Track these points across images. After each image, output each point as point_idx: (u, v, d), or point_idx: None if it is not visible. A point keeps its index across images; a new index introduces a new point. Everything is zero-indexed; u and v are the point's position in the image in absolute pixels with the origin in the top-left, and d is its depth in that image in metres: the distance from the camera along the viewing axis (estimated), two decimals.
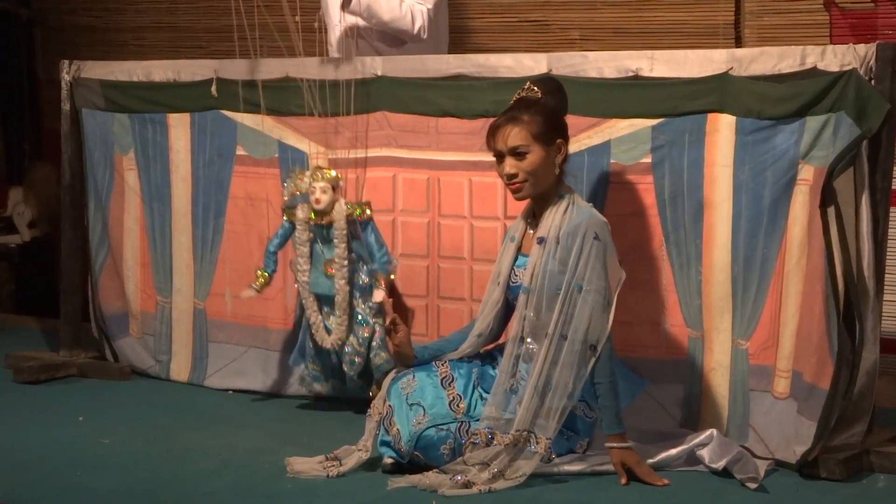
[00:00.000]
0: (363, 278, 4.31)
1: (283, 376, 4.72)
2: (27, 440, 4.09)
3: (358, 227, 4.30)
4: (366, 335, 4.29)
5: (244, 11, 4.36)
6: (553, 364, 3.64)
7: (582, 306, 3.64)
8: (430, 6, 4.82)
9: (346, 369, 4.33)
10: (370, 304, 4.29)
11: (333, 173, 4.33)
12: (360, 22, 4.78)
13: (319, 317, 4.34)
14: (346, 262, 4.28)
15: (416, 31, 4.77)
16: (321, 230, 4.33)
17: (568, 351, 3.63)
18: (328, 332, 4.33)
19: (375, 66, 4.53)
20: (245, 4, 4.41)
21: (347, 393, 4.45)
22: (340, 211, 4.28)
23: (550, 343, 3.65)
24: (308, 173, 4.35)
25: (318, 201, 4.28)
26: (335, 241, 4.29)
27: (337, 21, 4.79)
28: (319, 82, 4.46)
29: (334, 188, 4.30)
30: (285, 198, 4.40)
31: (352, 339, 4.30)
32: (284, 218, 4.40)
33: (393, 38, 4.86)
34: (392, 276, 4.36)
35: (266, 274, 4.43)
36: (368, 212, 4.34)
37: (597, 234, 3.66)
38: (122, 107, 5.06)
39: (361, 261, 4.33)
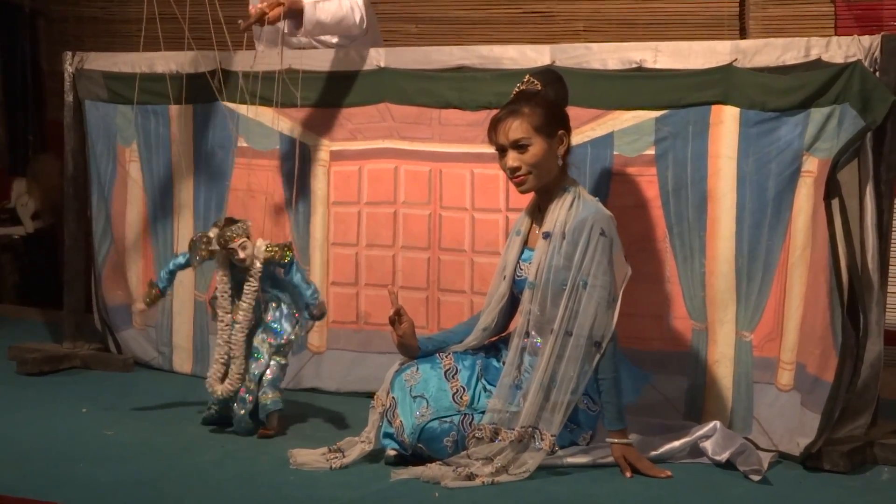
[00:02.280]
0: (273, 315, 4.12)
1: None
2: (30, 432, 4.09)
3: (279, 268, 4.11)
4: (256, 372, 4.08)
5: (248, 3, 4.36)
6: (558, 360, 3.63)
7: (587, 302, 3.63)
8: None
9: (235, 408, 4.07)
10: (273, 341, 4.10)
11: (238, 224, 4.10)
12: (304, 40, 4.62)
13: (221, 366, 4.13)
14: (250, 301, 4.08)
15: (359, 22, 4.58)
16: (237, 272, 4.14)
17: (573, 347, 3.62)
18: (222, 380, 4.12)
19: (379, 57, 4.52)
20: None
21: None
22: (259, 253, 4.08)
23: (556, 339, 3.64)
24: (213, 238, 4.10)
25: (242, 260, 4.07)
26: (248, 280, 4.08)
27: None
28: (318, 74, 4.45)
29: (248, 236, 4.09)
30: (194, 264, 4.21)
31: (245, 376, 4.11)
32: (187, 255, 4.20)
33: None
34: (322, 314, 4.18)
35: (159, 289, 4.25)
36: (290, 254, 4.10)
37: (603, 229, 3.65)
38: (125, 98, 5.05)
39: (276, 300, 4.13)
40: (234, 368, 4.08)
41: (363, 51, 4.58)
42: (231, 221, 4.13)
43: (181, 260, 4.26)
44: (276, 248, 4.10)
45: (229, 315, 4.13)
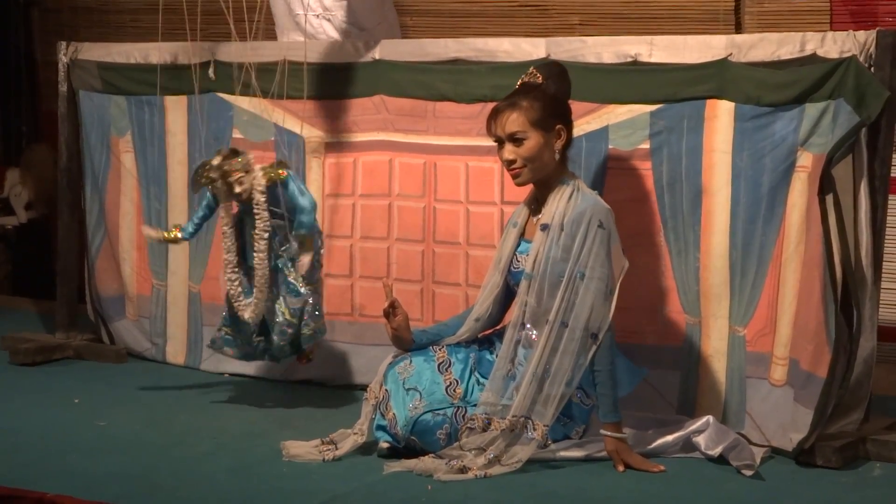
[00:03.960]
0: (294, 246, 4.17)
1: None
2: (23, 422, 4.09)
3: (278, 189, 4.12)
4: (297, 306, 4.17)
5: None
6: (553, 351, 3.63)
7: (584, 294, 3.63)
8: None
9: (275, 339, 4.20)
10: (302, 274, 4.17)
11: (240, 158, 4.15)
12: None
13: (240, 289, 4.21)
14: (265, 236, 4.12)
15: None
16: (243, 205, 4.19)
17: (568, 339, 3.62)
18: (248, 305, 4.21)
19: (374, 49, 4.51)
20: None
21: (255, 361, 4.44)
22: (258, 183, 4.11)
23: (551, 330, 3.64)
24: (217, 166, 4.14)
25: (238, 195, 4.11)
26: (255, 213, 4.13)
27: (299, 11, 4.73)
28: (313, 65, 4.44)
29: (248, 170, 4.12)
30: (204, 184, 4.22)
31: (284, 308, 4.17)
32: (209, 193, 4.25)
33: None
34: (312, 237, 4.19)
35: (180, 236, 4.30)
36: (283, 173, 4.13)
37: (601, 221, 3.65)
38: (120, 89, 5.04)
39: (290, 228, 4.18)
40: (260, 297, 4.16)
41: (358, 42, 4.57)
42: (234, 153, 4.17)
43: (202, 212, 4.32)
44: (269, 170, 4.13)
45: (232, 255, 4.19)
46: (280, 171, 4.13)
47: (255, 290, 4.17)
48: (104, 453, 3.74)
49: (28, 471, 3.54)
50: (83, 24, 6.52)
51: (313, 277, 4.20)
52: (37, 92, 6.85)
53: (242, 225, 4.23)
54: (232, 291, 4.22)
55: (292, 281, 4.17)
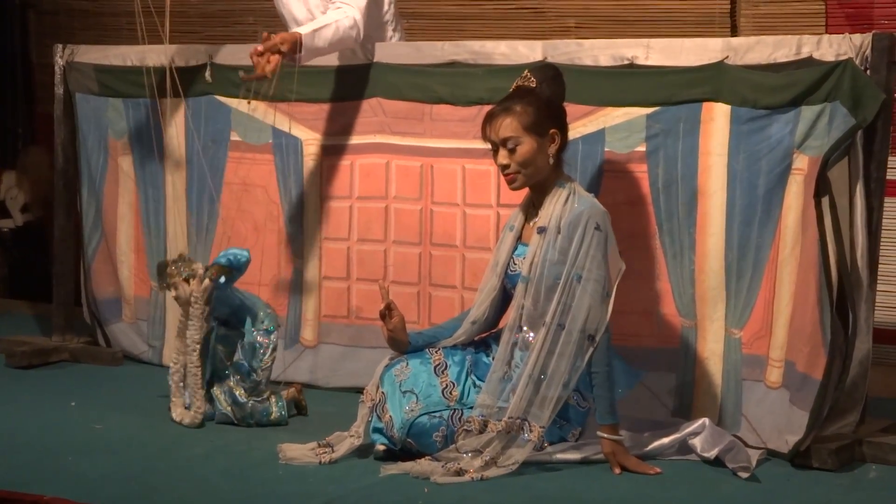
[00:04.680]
0: (237, 354, 4.15)
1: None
2: (19, 425, 4.09)
3: (221, 289, 4.12)
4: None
5: None
6: (549, 353, 3.64)
7: (581, 296, 3.64)
8: (361, 8, 4.45)
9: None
10: (241, 383, 4.12)
11: (183, 263, 4.13)
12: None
13: (178, 399, 4.15)
14: (196, 343, 4.08)
15: (356, 37, 4.43)
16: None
17: (565, 341, 3.63)
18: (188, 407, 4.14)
19: (370, 52, 4.52)
20: None
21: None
22: (195, 293, 4.08)
23: (548, 332, 3.65)
24: (167, 269, 4.14)
25: (176, 298, 4.11)
26: (189, 320, 4.11)
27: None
28: (311, 68, 4.44)
29: (190, 278, 4.08)
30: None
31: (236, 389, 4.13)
32: None
33: None
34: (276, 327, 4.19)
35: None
36: (218, 275, 4.10)
37: (598, 224, 3.66)
38: (116, 91, 5.05)
39: (237, 333, 4.16)
40: (197, 402, 4.10)
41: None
42: (181, 259, 4.15)
43: None
44: (206, 273, 4.10)
45: (181, 356, 4.14)
46: (212, 272, 4.10)
47: (193, 400, 4.11)
48: (100, 455, 3.74)
49: (25, 473, 3.55)
50: (79, 27, 6.51)
51: (258, 389, 4.14)
52: (33, 94, 6.84)
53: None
54: (174, 399, 4.16)
55: (232, 389, 4.13)
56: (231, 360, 4.15)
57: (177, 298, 4.12)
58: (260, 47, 4.16)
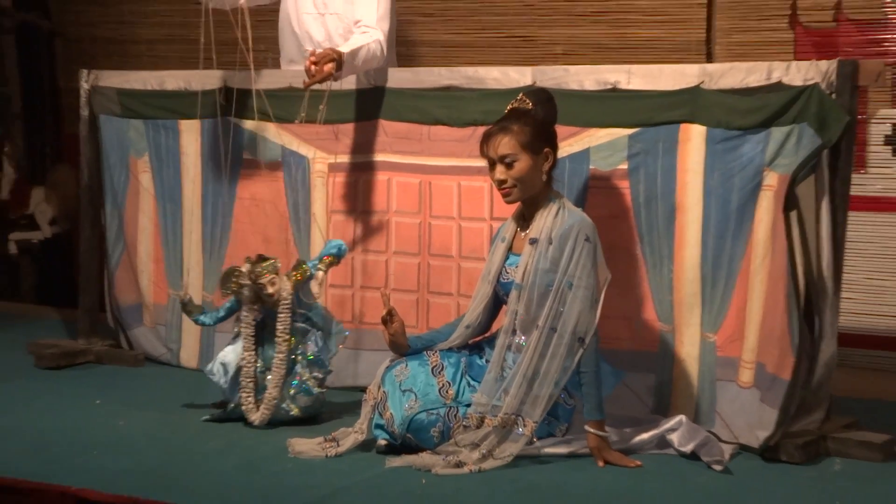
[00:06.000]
0: (312, 348, 4.13)
1: None
2: (47, 422, 4.10)
3: (304, 288, 4.13)
4: (307, 405, 4.10)
5: (249, 26, 4.36)
6: (542, 355, 3.65)
7: (572, 302, 3.65)
8: (385, 31, 4.53)
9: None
10: (314, 374, 4.11)
11: (267, 263, 4.11)
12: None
13: (251, 398, 4.07)
14: (287, 336, 4.07)
15: (381, 56, 4.49)
16: (266, 309, 4.13)
17: (557, 343, 3.64)
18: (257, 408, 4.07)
19: (374, 77, 4.54)
20: (251, 20, 4.41)
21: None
22: (286, 288, 4.08)
23: (540, 335, 3.66)
24: (245, 272, 4.11)
25: (270, 295, 4.07)
26: (280, 315, 4.07)
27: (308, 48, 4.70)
28: (319, 92, 4.46)
29: (277, 272, 4.10)
30: (227, 294, 4.18)
31: (292, 406, 4.09)
32: (230, 296, 4.19)
33: None
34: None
35: (195, 317, 4.31)
36: (308, 270, 4.15)
37: (588, 236, 3.68)
38: (137, 113, 5.06)
39: (312, 330, 4.15)
40: (269, 396, 4.05)
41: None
42: (262, 259, 4.14)
43: (223, 313, 4.28)
44: (296, 273, 4.12)
45: (252, 353, 4.10)
46: (304, 268, 4.14)
47: (267, 393, 4.05)
48: (123, 451, 3.76)
49: (53, 467, 3.56)
50: (102, 54, 6.53)
51: (326, 361, 4.16)
52: (60, 116, 6.85)
53: (260, 328, 4.16)
54: (245, 400, 4.08)
55: (306, 381, 4.11)
56: (295, 354, 4.12)
57: (269, 296, 4.07)
58: (313, 57, 4.18)
